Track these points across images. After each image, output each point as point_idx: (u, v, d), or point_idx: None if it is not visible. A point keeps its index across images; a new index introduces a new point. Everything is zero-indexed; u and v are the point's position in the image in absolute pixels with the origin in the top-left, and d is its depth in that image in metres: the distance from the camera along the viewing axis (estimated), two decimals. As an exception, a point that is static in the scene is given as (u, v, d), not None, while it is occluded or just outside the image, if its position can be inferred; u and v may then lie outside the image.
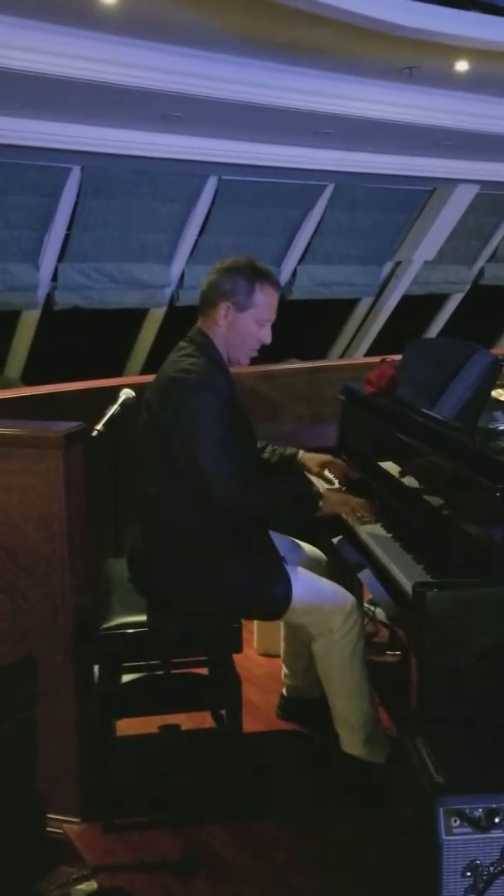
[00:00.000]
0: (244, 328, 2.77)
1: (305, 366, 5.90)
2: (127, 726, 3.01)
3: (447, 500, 2.64)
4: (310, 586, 2.78)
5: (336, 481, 3.24)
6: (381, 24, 4.48)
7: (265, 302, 2.77)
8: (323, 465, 3.22)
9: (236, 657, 2.82)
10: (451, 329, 9.74)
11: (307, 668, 3.15)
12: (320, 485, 3.13)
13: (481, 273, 9.64)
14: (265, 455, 3.15)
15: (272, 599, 2.72)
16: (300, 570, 2.83)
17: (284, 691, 3.31)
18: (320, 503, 2.79)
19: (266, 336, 2.82)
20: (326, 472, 3.21)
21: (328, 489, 3.07)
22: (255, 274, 2.76)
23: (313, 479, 3.23)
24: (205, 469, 2.57)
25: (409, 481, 2.95)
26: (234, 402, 2.77)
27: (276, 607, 2.74)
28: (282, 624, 3.06)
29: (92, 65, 4.70)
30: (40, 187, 6.32)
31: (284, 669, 3.29)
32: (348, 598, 2.79)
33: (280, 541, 2.99)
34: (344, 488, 3.17)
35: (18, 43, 4.43)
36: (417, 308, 9.47)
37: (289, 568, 2.78)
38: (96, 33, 4.57)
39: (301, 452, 3.23)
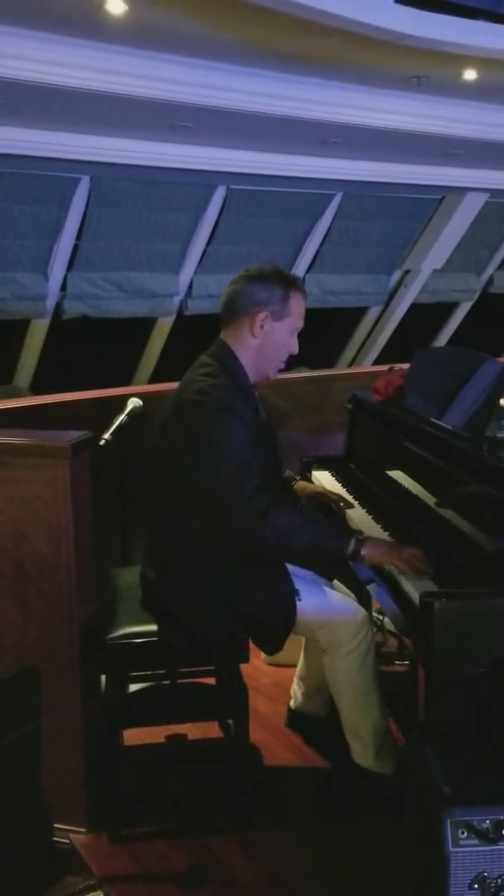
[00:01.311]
0: (279, 339, 2.68)
1: (314, 374, 5.91)
2: (134, 736, 3.00)
3: (455, 509, 2.63)
4: (320, 599, 2.75)
5: (355, 503, 3.16)
6: (388, 33, 4.48)
7: (298, 310, 2.70)
8: (312, 497, 3.14)
9: (244, 667, 2.81)
10: (459, 338, 9.72)
11: (318, 689, 3.11)
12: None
13: (490, 281, 9.62)
14: None
15: (277, 622, 2.67)
16: (311, 582, 2.81)
17: (291, 704, 3.28)
18: (363, 551, 2.50)
19: (295, 346, 2.73)
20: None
21: (374, 537, 2.65)
22: (288, 281, 2.68)
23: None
24: (224, 498, 2.44)
25: (417, 490, 2.94)
26: (256, 425, 2.66)
27: (279, 633, 2.68)
28: (303, 638, 3.03)
29: (100, 75, 4.72)
30: (49, 197, 6.33)
31: (295, 684, 3.25)
32: (359, 611, 2.76)
33: None
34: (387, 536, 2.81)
35: (26, 54, 4.44)
36: (426, 317, 9.45)
37: (299, 581, 2.75)
38: (105, 44, 4.59)
39: (296, 482, 3.16)
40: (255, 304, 2.64)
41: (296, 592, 2.68)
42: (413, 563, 2.48)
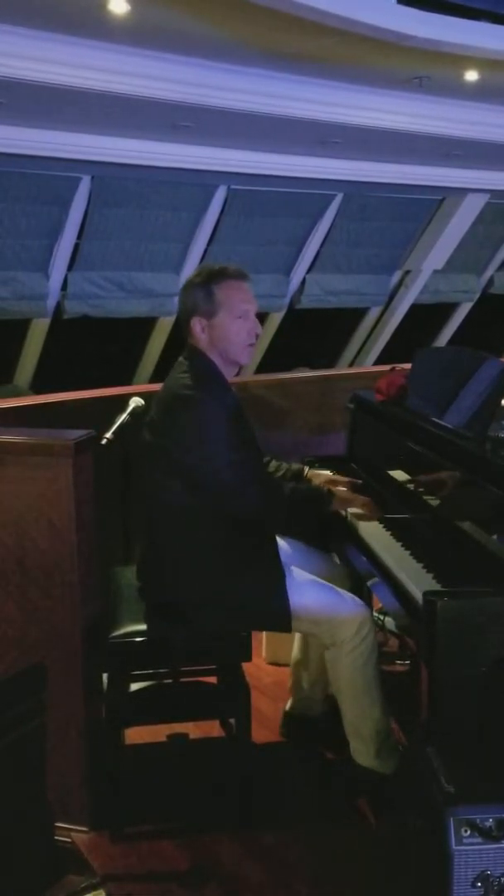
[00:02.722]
0: (225, 329, 2.75)
1: (315, 374, 5.91)
2: (136, 735, 3.00)
3: (457, 508, 2.63)
4: (321, 597, 2.76)
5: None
6: (390, 34, 4.48)
7: (231, 296, 2.74)
8: (329, 482, 3.19)
9: (245, 666, 2.81)
10: (460, 338, 9.73)
11: (314, 683, 3.12)
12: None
13: (491, 282, 9.64)
14: (272, 469, 3.14)
15: (272, 614, 2.70)
16: (312, 579, 2.81)
17: (287, 706, 3.23)
18: (333, 501, 2.88)
19: (254, 327, 2.80)
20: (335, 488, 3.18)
21: (337, 489, 3.07)
22: (208, 278, 2.75)
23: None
24: (226, 483, 2.63)
25: (419, 489, 2.94)
26: (238, 412, 2.79)
27: (278, 621, 2.72)
28: (297, 633, 3.05)
29: (102, 75, 4.72)
30: (50, 196, 6.34)
31: (291, 680, 3.23)
32: (361, 609, 2.76)
33: (298, 550, 3.00)
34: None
35: (29, 53, 4.45)
36: (427, 317, 9.46)
37: (300, 578, 2.76)
38: (106, 43, 4.59)
39: (307, 469, 3.23)
40: (187, 313, 2.78)
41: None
42: (366, 506, 2.95)
